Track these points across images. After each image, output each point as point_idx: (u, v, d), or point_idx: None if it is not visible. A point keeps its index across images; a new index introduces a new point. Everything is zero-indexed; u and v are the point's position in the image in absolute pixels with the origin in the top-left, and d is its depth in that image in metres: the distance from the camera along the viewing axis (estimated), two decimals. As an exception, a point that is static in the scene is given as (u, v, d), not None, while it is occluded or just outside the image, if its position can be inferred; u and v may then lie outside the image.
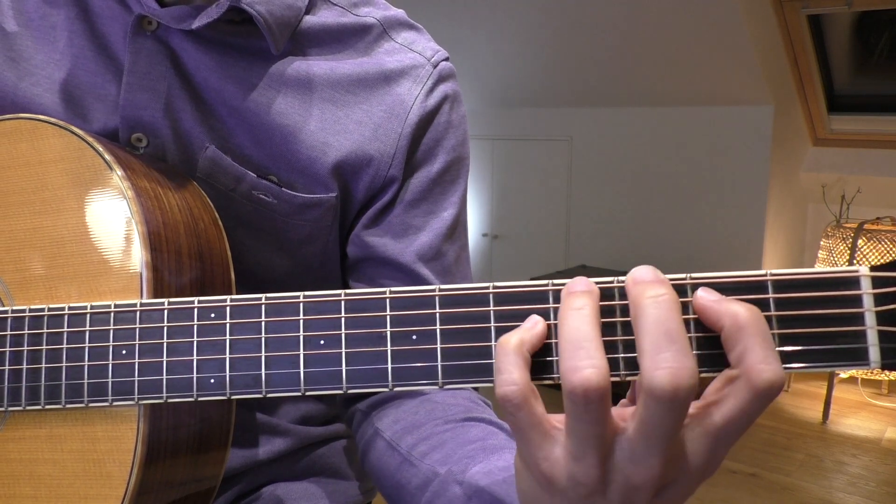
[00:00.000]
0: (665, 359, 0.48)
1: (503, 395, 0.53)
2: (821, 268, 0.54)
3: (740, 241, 5.52)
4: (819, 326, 0.52)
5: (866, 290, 0.52)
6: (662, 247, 5.72)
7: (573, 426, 0.51)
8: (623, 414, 0.53)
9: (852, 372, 4.97)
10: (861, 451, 4.31)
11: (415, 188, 0.98)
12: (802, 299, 0.53)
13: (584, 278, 0.55)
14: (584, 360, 0.49)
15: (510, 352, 0.53)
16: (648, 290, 0.51)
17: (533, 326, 0.56)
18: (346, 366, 0.61)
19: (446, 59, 1.02)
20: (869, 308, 0.52)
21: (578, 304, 0.53)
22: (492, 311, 0.58)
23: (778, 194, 5.57)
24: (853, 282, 0.52)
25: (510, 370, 0.53)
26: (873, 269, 0.53)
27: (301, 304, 0.63)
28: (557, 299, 0.56)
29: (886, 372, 4.71)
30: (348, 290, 0.62)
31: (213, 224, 0.88)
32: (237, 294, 0.68)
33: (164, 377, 0.68)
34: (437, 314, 0.59)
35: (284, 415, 1.09)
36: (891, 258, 3.64)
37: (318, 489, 1.10)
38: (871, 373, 4.86)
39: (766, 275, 0.53)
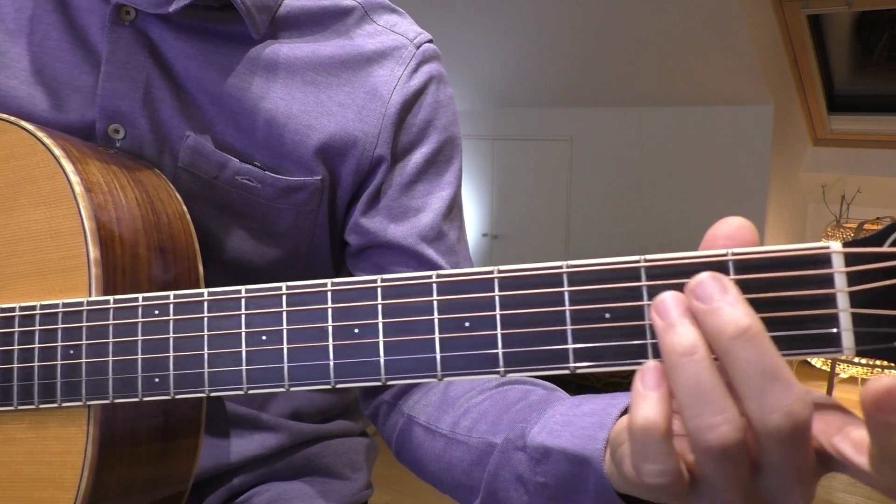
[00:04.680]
0: (774, 400, 0.44)
1: (656, 486, 0.48)
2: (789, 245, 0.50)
3: (740, 241, 5.49)
4: (787, 310, 0.48)
5: (838, 268, 0.47)
6: (662, 246, 5.68)
7: (710, 478, 0.48)
8: (750, 447, 0.48)
9: (853, 372, 4.95)
10: (861, 451, 4.28)
11: (410, 170, 0.97)
12: (768, 280, 0.48)
13: (672, 298, 0.48)
14: (715, 416, 0.44)
15: (660, 439, 0.47)
16: (728, 325, 0.45)
17: (658, 387, 0.48)
18: (288, 363, 0.59)
19: (430, 42, 1.01)
20: (841, 289, 0.47)
21: (686, 347, 0.46)
22: (435, 302, 0.55)
23: (778, 194, 5.55)
24: (824, 260, 0.47)
25: (664, 461, 0.47)
26: (846, 244, 0.47)
27: (242, 300, 0.61)
28: (502, 287, 0.53)
29: (887, 372, 4.71)
30: (290, 283, 0.60)
31: (178, 218, 0.87)
32: (219, 287, 0.66)
33: (110, 377, 0.66)
34: (379, 306, 0.56)
35: (274, 410, 1.07)
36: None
37: (312, 489, 1.08)
38: (872, 372, 4.84)
39: (727, 254, 0.49)
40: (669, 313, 0.47)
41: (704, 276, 0.47)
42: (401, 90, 0.96)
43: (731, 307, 0.45)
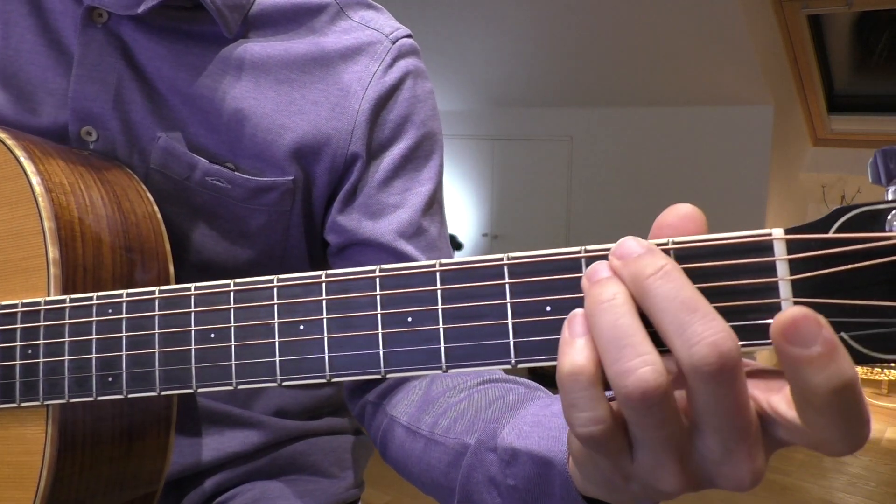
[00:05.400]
0: (696, 332, 0.42)
1: (587, 436, 0.46)
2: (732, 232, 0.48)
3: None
4: (728, 300, 0.46)
5: (780, 255, 0.45)
6: (662, 247, 5.68)
7: (639, 435, 0.46)
8: (682, 402, 0.46)
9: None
10: (861, 451, 4.27)
11: (387, 166, 0.96)
12: (709, 269, 0.46)
13: (602, 263, 0.48)
14: (633, 360, 0.43)
15: (587, 384, 0.46)
16: (644, 268, 0.45)
17: (585, 333, 0.47)
18: (236, 360, 0.58)
19: (408, 36, 1.00)
20: (784, 277, 0.45)
21: (606, 295, 0.46)
22: (378, 297, 0.54)
23: (778, 194, 5.54)
24: (766, 247, 0.45)
25: (591, 407, 0.46)
26: (789, 230, 0.46)
27: (193, 297, 0.60)
28: (444, 281, 0.53)
29: (886, 372, 4.67)
30: (238, 280, 0.59)
31: (147, 218, 0.86)
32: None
33: (66, 377, 0.66)
34: (324, 302, 0.56)
35: (257, 407, 1.06)
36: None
37: (296, 488, 1.07)
38: (872, 373, 4.83)
39: (668, 243, 0.47)
40: (597, 274, 0.47)
41: (625, 238, 0.47)
42: (375, 86, 0.95)
43: (647, 254, 0.46)
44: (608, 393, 0.46)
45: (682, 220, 0.49)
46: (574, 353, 0.46)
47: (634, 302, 0.45)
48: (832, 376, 0.40)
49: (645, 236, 0.48)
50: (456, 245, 6.63)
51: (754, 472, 0.46)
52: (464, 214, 6.84)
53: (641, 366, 0.43)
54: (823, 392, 0.40)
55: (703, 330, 0.42)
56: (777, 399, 0.45)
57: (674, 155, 5.78)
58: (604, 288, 0.46)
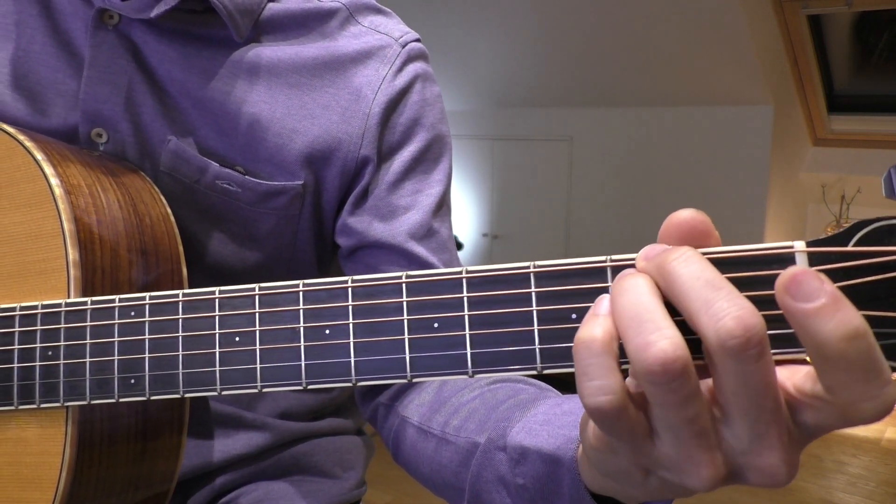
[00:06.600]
0: (721, 308, 0.43)
1: (596, 407, 0.45)
2: (754, 244, 0.48)
3: (740, 241, 5.45)
4: None
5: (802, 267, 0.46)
6: (662, 247, 5.68)
7: (662, 416, 0.46)
8: (710, 390, 0.47)
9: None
10: (861, 451, 4.29)
11: (397, 168, 0.97)
12: (731, 280, 0.46)
13: (630, 270, 0.49)
14: (653, 334, 0.43)
15: (600, 352, 0.46)
16: (668, 255, 0.46)
17: (609, 314, 0.47)
18: (261, 364, 0.59)
19: (416, 41, 1.01)
20: None
21: (630, 280, 0.47)
22: (405, 303, 0.55)
23: (778, 194, 5.54)
24: (788, 259, 0.47)
25: (602, 375, 0.45)
26: (810, 243, 0.47)
27: (217, 301, 0.61)
28: (470, 288, 0.53)
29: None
30: (263, 284, 0.60)
31: (162, 220, 0.87)
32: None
33: (88, 378, 0.67)
34: (350, 307, 0.56)
35: (262, 409, 1.07)
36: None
37: (300, 488, 1.08)
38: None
39: None
40: (626, 272, 0.49)
41: (650, 245, 0.49)
42: (385, 90, 0.95)
43: (671, 249, 0.47)
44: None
45: (682, 230, 0.50)
46: (592, 325, 0.47)
47: (659, 291, 0.46)
48: (840, 324, 0.41)
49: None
50: (456, 245, 6.58)
51: (788, 462, 0.45)
52: (464, 214, 6.84)
53: (661, 339, 0.43)
54: (836, 341, 0.41)
55: (729, 306, 0.43)
56: (800, 376, 0.46)
57: (674, 155, 5.77)
58: (628, 276, 0.47)
